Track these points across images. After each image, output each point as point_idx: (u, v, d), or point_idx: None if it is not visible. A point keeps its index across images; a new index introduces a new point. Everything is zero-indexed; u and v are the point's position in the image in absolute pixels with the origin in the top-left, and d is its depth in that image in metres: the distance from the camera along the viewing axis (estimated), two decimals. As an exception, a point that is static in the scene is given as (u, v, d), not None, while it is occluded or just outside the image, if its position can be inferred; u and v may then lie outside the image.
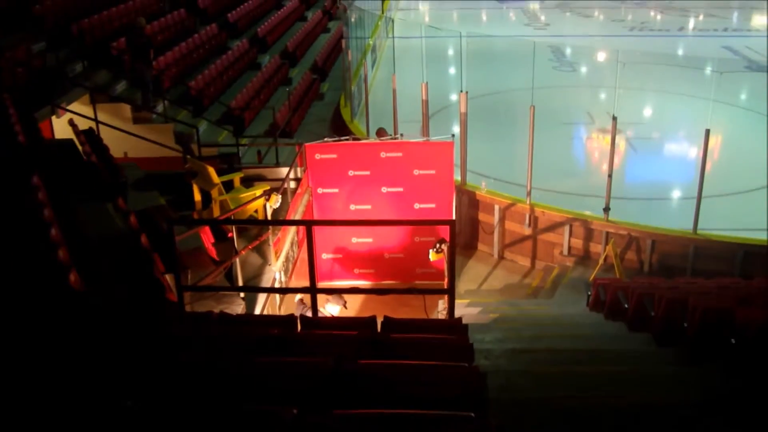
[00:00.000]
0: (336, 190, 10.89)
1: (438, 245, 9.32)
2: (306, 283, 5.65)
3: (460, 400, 3.34)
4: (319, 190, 10.88)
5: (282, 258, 9.02)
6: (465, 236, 12.80)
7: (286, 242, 9.29)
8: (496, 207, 12.57)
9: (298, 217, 9.77)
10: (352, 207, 10.90)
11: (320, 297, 7.02)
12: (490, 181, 13.02)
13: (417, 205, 10.95)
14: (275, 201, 9.09)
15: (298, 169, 11.22)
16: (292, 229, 9.49)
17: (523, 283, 12.00)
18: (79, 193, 7.58)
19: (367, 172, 10.83)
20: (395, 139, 11.24)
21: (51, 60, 11.60)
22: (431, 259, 9.40)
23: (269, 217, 9.05)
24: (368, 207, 10.85)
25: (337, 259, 11.26)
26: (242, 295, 7.65)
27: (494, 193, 12.66)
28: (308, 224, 5.61)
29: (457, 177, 12.48)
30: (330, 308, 7.75)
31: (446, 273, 9.10)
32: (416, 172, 10.86)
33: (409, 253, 11.12)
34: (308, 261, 5.52)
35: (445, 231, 6.07)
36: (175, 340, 4.25)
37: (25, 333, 3.89)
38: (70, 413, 2.95)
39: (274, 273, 8.75)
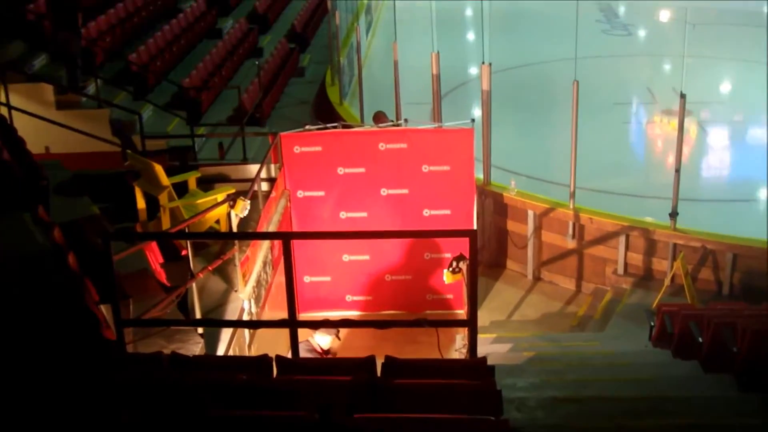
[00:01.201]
0: (321, 194, 10.95)
1: (455, 264, 9.30)
2: (283, 314, 5.65)
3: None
4: (300, 194, 10.96)
5: (252, 282, 8.98)
6: (490, 251, 13.00)
7: (256, 262, 9.25)
8: (530, 213, 12.67)
9: (272, 228, 9.82)
10: (343, 215, 10.99)
11: (303, 332, 6.95)
12: (521, 179, 13.14)
13: (427, 212, 11.06)
14: (242, 208, 9.06)
15: (272, 167, 11.31)
16: (265, 244, 9.43)
17: (565, 312, 12.09)
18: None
19: (362, 170, 10.88)
20: (398, 126, 11.30)
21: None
22: (446, 282, 9.41)
23: (235, 230, 9.07)
24: (363, 215, 10.94)
25: (324, 282, 11.35)
26: (200, 330, 7.66)
27: (527, 195, 12.73)
28: (286, 238, 5.60)
29: (479, 175, 12.58)
30: (319, 339, 7.90)
31: (466, 300, 9.25)
32: (426, 168, 10.90)
33: (418, 275, 11.17)
34: (286, 286, 5.52)
35: (464, 245, 5.82)
36: (114, 391, 4.23)
37: None
38: None
39: (242, 302, 8.75)
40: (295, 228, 10.78)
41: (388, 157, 10.77)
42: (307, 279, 11.37)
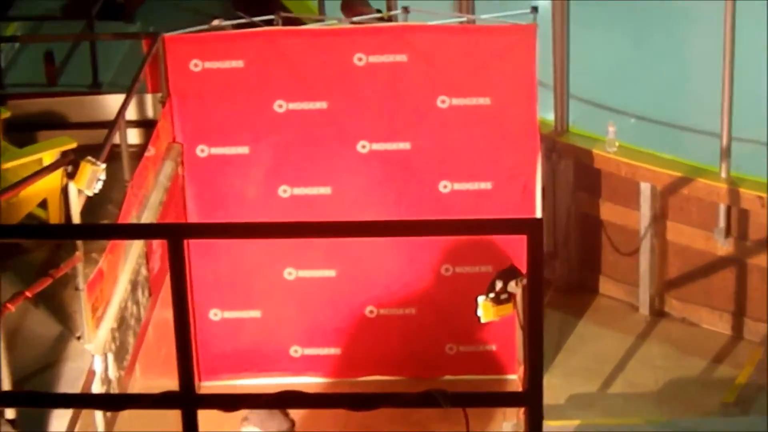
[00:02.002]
0: (243, 151, 10.71)
1: (499, 285, 8.44)
2: (172, 384, 4.86)
3: None
4: (202, 151, 10.72)
5: (109, 322, 8.68)
6: (569, 262, 12.52)
7: (118, 283, 9.03)
8: (645, 189, 11.99)
9: (149, 217, 9.68)
10: (285, 191, 10.73)
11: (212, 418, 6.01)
12: (627, 123, 12.35)
13: (446, 185, 10.68)
14: (90, 179, 8.45)
15: (148, 100, 10.94)
16: (134, 250, 9.31)
17: (712, 377, 11.44)
18: None
19: (322, 105, 10.61)
20: (389, 21, 11.21)
21: None
22: (483, 320, 8.57)
23: (77, 220, 8.55)
24: (324, 191, 10.74)
25: (249, 321, 11.12)
26: (10, 414, 7.50)
27: (639, 154, 12.05)
28: (174, 236, 4.59)
29: (547, 115, 12.02)
30: None
31: (521, 354, 9.41)
32: (443, 102, 10.49)
33: (428, 306, 11.01)
34: (176, 328, 4.62)
35: (517, 250, 5.50)
36: None
37: None
38: None
39: (92, 359, 8.43)
40: (193, 216, 10.64)
41: (371, 80, 10.56)
42: (215, 315, 11.00)
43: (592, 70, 12.97)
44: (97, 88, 11.50)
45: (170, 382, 5.71)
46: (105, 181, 8.61)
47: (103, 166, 8.53)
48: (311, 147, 10.57)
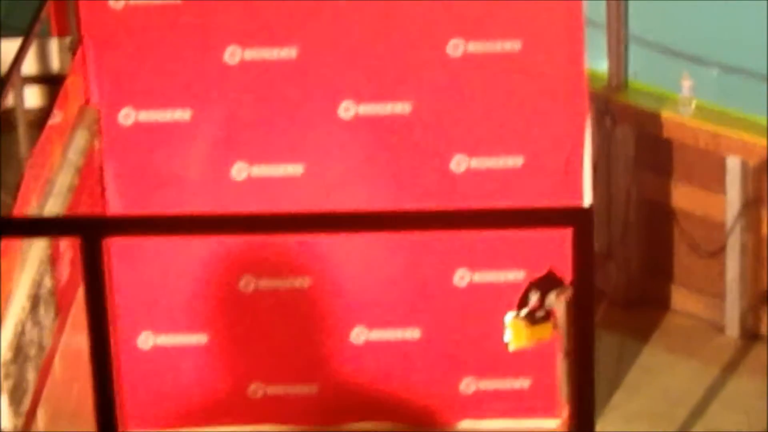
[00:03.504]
0: (184, 116, 10.95)
1: (535, 299, 9.01)
2: None
3: None
4: (127, 117, 10.96)
5: (1, 350, 8.82)
6: (630, 264, 12.62)
7: (13, 298, 9.13)
8: (733, 163, 12.18)
9: (56, 206, 9.83)
10: (240, 171, 11.04)
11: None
12: (708, 75, 12.39)
13: (461, 161, 10.87)
14: None
15: (53, 48, 11.11)
16: (34, 253, 9.45)
17: None
18: None
19: (291, 52, 10.78)
20: None
21: None
22: (513, 346, 9.24)
23: None
24: (295, 169, 11.01)
25: (194, 349, 11.24)
26: None
27: (723, 117, 12.18)
28: (89, 234, 4.40)
29: (600, 65, 12.29)
30: None
31: (566, 392, 9.52)
32: (456, 47, 10.69)
33: (439, 326, 11.19)
34: (92, 360, 4.48)
35: (559, 249, 5.74)
36: None
37: None
38: None
39: None
40: (115, 206, 10.90)
41: (356, 17, 10.79)
42: (146, 341, 11.23)
43: (659, 4, 12.88)
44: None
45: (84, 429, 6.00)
46: (-1, 160, 8.66)
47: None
48: (276, 111, 10.64)
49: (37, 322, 9.21)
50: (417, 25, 10.57)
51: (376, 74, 10.64)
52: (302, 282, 10.86)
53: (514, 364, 10.66)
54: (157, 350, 10.96)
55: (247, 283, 10.86)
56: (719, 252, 11.83)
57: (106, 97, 10.54)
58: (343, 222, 6.83)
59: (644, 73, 12.32)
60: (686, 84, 11.86)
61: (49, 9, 10.49)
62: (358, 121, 10.61)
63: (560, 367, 9.47)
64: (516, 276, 10.09)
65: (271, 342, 10.98)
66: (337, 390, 10.98)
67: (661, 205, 12.37)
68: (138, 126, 10.59)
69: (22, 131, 9.73)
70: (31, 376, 9.10)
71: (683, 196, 12.01)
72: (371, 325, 10.91)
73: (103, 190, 10.73)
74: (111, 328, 4.85)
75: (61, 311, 9.67)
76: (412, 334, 10.90)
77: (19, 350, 8.94)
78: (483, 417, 10.90)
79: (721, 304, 11.94)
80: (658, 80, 12.22)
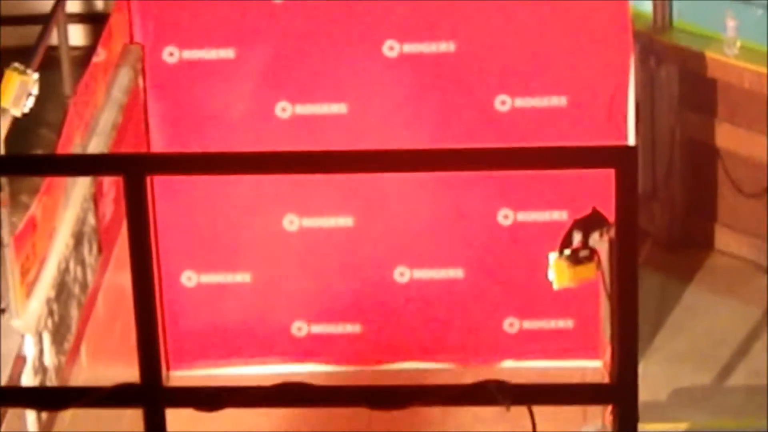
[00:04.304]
0: (228, 54, 10.94)
1: (579, 239, 8.85)
2: (127, 374, 5.23)
3: None
4: (171, 55, 10.99)
5: (45, 288, 8.86)
6: (674, 204, 12.68)
7: (57, 236, 9.22)
8: None
9: (100, 145, 9.79)
10: (284, 110, 10.97)
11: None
12: (753, 15, 12.37)
13: (505, 101, 10.91)
14: (15, 93, 8.60)
15: None
16: (78, 190, 9.44)
17: None
18: None
19: None
20: None
21: None
22: (556, 285, 8.81)
23: (1, 148, 8.76)
24: (338, 109, 11.02)
25: (236, 287, 11.34)
26: None
27: (766, 55, 12.04)
28: (133, 171, 4.92)
29: (645, 5, 12.36)
30: None
31: (609, 333, 7.82)
32: None
33: (480, 267, 11.32)
34: (135, 297, 4.98)
35: (603, 189, 5.27)
36: None
37: None
38: None
39: (21, 340, 8.57)
40: (158, 144, 10.91)
41: None
42: (189, 280, 11.28)
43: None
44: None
45: (127, 372, 5.75)
46: (38, 97, 8.63)
47: (36, 75, 8.57)
48: (319, 49, 10.60)
49: (80, 260, 9.36)
50: None
51: (421, 13, 10.58)
52: (345, 221, 10.94)
53: (558, 304, 10.75)
54: (201, 288, 11.05)
55: (291, 222, 10.90)
56: (763, 193, 11.80)
57: (150, 35, 10.58)
58: (387, 161, 6.59)
59: (688, 12, 12.29)
60: (731, 24, 11.80)
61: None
62: (402, 59, 10.61)
63: (604, 308, 9.46)
64: (560, 215, 10.16)
65: (315, 281, 11.09)
66: (381, 329, 11.09)
67: (705, 146, 12.38)
68: (182, 64, 10.64)
69: (66, 69, 9.89)
70: (74, 313, 9.23)
71: (727, 137, 12.03)
72: (414, 264, 10.99)
73: (147, 128, 10.78)
74: (154, 267, 5.09)
75: (105, 249, 9.81)
76: (456, 273, 10.97)
77: (62, 288, 9.07)
78: (526, 357, 10.97)
79: (765, 245, 11.97)
80: (702, 20, 12.13)
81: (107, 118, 9.92)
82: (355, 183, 10.63)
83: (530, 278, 10.26)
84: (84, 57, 10.03)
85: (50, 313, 8.75)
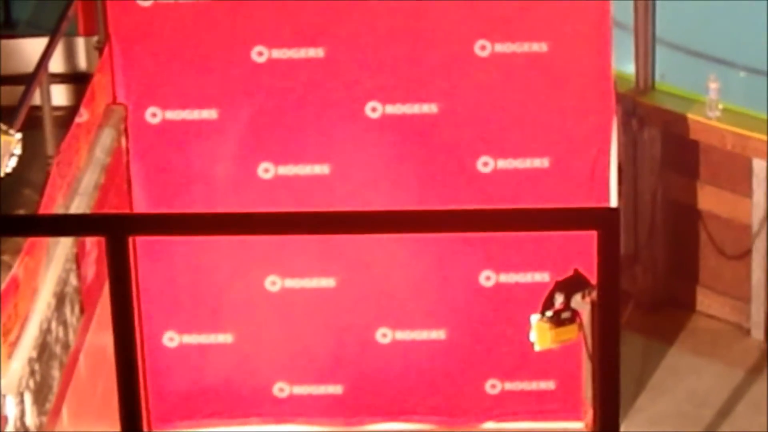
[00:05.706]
0: (211, 115, 10.94)
1: (560, 300, 8.93)
2: None
3: None
4: (154, 116, 10.99)
5: (27, 348, 8.76)
6: (656, 266, 12.63)
7: (39, 296, 9.11)
8: (759, 167, 12.17)
9: (82, 205, 9.81)
10: (266, 171, 11.02)
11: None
12: (735, 77, 12.63)
13: (487, 163, 10.94)
14: (1, 150, 8.68)
15: (80, 46, 11.09)
16: (61, 251, 9.39)
17: None
18: None
19: (319, 52, 10.81)
20: None
21: None
22: (538, 347, 9.05)
23: None
24: (321, 170, 11.03)
25: (219, 348, 11.28)
26: None
27: (750, 120, 12.16)
28: (115, 233, 4.72)
29: (627, 67, 12.30)
30: None
31: (590, 394, 9.42)
32: (483, 48, 10.76)
33: (465, 327, 11.19)
34: (117, 358, 4.72)
35: (585, 250, 5.36)
36: None
37: None
38: None
39: (3, 400, 8.39)
40: (141, 205, 10.91)
41: (384, 18, 10.74)
42: (171, 340, 11.23)
43: (687, 6, 12.73)
44: (10, 29, 11.37)
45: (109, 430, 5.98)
46: (21, 157, 8.62)
47: (18, 136, 8.56)
48: (302, 109, 10.56)
49: (62, 320, 9.23)
50: (444, 25, 10.52)
51: (403, 74, 10.61)
52: (328, 282, 10.88)
53: (540, 366, 10.66)
54: (183, 348, 11.00)
55: (273, 283, 10.86)
56: (745, 255, 11.82)
57: (133, 95, 10.57)
58: (369, 222, 6.34)
59: (671, 75, 12.33)
60: (713, 86, 11.79)
61: (76, 7, 10.46)
62: (385, 121, 10.61)
63: (585, 369, 9.44)
64: (542, 277, 10.13)
65: (297, 342, 11.02)
66: (362, 390, 11.00)
67: (688, 208, 12.39)
68: (165, 124, 10.61)
69: (48, 129, 9.76)
70: (56, 374, 9.10)
71: (709, 199, 12.01)
72: (396, 325, 10.92)
73: (129, 188, 10.73)
74: (136, 327, 4.94)
75: (87, 309, 9.67)
76: (438, 334, 10.90)
77: (44, 348, 8.94)
78: (507, 419, 10.91)
79: (747, 306, 11.93)
80: (684, 82, 12.17)
81: (90, 178, 9.89)
82: (337, 244, 10.58)
83: (512, 340, 10.22)
84: (67, 117, 9.94)
85: (32, 373, 8.63)
